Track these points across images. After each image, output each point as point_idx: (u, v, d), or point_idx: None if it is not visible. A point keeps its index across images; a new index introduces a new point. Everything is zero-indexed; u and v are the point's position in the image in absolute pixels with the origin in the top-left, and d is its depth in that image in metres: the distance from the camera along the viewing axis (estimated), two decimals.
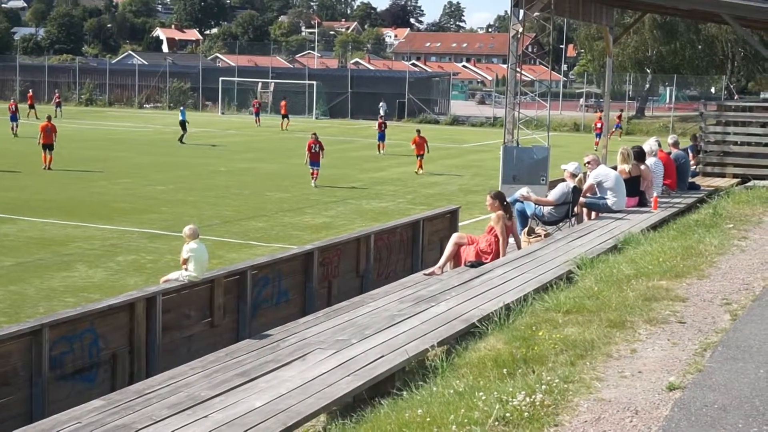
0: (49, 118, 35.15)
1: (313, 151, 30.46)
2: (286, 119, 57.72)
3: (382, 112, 63.78)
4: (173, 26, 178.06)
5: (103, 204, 25.22)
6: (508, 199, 13.43)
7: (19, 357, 9.18)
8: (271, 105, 74.15)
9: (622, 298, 9.05)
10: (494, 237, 12.50)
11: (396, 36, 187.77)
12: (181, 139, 44.82)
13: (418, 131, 36.62)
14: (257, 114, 62.07)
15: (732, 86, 75.03)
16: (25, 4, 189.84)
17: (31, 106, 59.38)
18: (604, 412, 6.02)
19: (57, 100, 64.26)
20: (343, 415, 7.13)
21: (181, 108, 49.53)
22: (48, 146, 33.13)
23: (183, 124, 45.89)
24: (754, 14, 23.48)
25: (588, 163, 15.84)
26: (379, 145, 43.41)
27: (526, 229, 14.10)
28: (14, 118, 46.82)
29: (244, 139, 49.37)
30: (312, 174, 30.45)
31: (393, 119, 68.15)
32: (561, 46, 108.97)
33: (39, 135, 33.62)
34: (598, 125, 49.09)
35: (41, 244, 19.49)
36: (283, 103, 60.27)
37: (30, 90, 68.43)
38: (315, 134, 31.54)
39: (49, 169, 32.45)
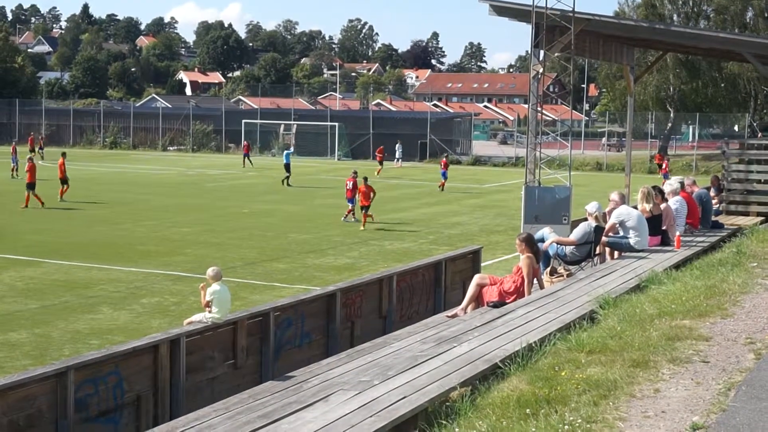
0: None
1: (348, 188, 31.86)
2: (381, 165, 56.72)
3: (398, 154, 64.24)
4: (196, 69, 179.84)
5: (128, 246, 25.37)
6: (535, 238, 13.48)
7: (44, 399, 9.23)
8: (293, 146, 74.60)
9: (645, 337, 9.03)
10: (520, 278, 12.53)
11: (417, 77, 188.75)
12: (286, 182, 45.62)
13: (365, 179, 31.89)
14: (247, 155, 60.48)
15: (755, 124, 74.80)
16: (51, 49, 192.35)
17: (32, 150, 59.90)
18: None
19: (40, 142, 64.77)
20: None
21: (287, 151, 50.06)
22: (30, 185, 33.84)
23: (287, 166, 46.65)
24: None
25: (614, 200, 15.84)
26: (442, 183, 45.33)
27: (549, 269, 14.09)
28: (14, 159, 47.71)
29: (267, 180, 49.61)
30: (348, 210, 31.87)
31: (415, 160, 68.40)
32: (582, 85, 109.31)
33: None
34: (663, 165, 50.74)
35: (66, 287, 19.62)
36: (380, 149, 59.70)
37: (31, 133, 69.11)
38: (355, 172, 32.82)
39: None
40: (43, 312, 17.26)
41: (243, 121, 75.60)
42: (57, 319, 16.66)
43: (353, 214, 31.53)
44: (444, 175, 45.45)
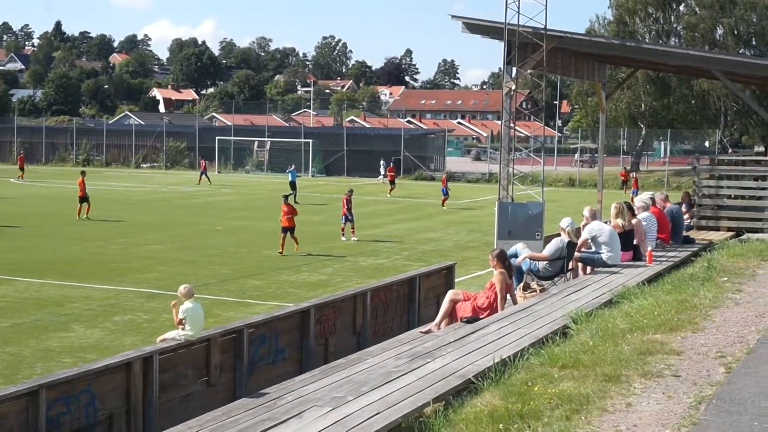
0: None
1: (347, 207, 31.56)
2: (393, 185, 54.07)
3: (383, 171, 64.60)
4: (170, 86, 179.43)
5: (100, 264, 25.24)
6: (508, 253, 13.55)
7: (15, 418, 9.17)
8: (267, 163, 74.60)
9: (617, 352, 9.09)
10: (494, 293, 12.58)
11: (391, 94, 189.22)
12: (293, 199, 45.24)
13: (285, 197, 29.47)
14: (204, 172, 59.99)
15: (725, 140, 75.54)
16: (23, 67, 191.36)
17: (21, 168, 59.66)
18: None
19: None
20: None
21: (291, 169, 50.07)
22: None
23: (293, 184, 46.73)
24: (742, 69, 23.81)
25: (586, 216, 15.95)
26: (443, 200, 45.82)
27: (522, 284, 14.15)
28: None
29: (240, 197, 49.53)
30: (342, 229, 31.68)
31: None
32: (555, 102, 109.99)
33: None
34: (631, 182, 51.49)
35: (38, 305, 19.49)
36: (390, 167, 57.13)
37: (21, 152, 68.70)
38: (351, 191, 32.93)
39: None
40: (15, 330, 17.13)
41: (217, 138, 75.44)
42: (28, 338, 16.54)
43: (350, 231, 31.50)
44: (444, 191, 46.04)
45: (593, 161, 78.45)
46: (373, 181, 64.17)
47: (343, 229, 31.73)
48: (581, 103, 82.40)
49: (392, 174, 55.38)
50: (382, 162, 66.14)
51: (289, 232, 27.93)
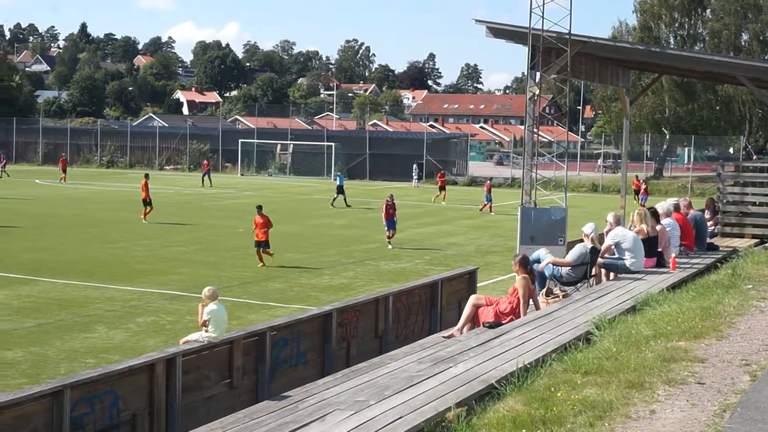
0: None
1: (390, 212, 31.00)
2: (443, 191, 52.07)
3: (416, 175, 64.97)
4: (193, 89, 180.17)
5: (123, 265, 25.36)
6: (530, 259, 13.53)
7: (40, 418, 9.23)
8: (290, 166, 74.82)
9: (640, 359, 9.04)
10: (516, 299, 12.56)
11: (414, 98, 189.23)
12: (344, 202, 45.87)
13: (260, 208, 27.16)
14: (207, 173, 60.16)
15: (750, 147, 75.06)
16: (49, 68, 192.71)
17: (63, 170, 59.86)
18: None
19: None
20: None
21: (339, 174, 50.36)
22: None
23: (341, 188, 46.98)
24: None
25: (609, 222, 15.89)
26: (488, 206, 45.10)
27: (545, 290, 14.11)
28: None
29: (263, 200, 49.57)
30: (388, 237, 30.99)
31: (411, 180, 68.48)
32: (578, 107, 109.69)
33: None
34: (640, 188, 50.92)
35: (62, 306, 19.61)
36: (441, 173, 55.26)
37: (63, 154, 69.20)
38: (392, 196, 32.32)
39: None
40: (39, 330, 17.24)
41: (240, 140, 75.76)
42: (53, 338, 16.65)
43: (389, 239, 30.94)
44: (488, 197, 45.45)
45: (616, 167, 78.19)
46: (402, 185, 64.19)
47: (389, 237, 31.02)
48: (605, 109, 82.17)
49: (443, 180, 52.99)
50: (415, 166, 66.35)
51: (262, 247, 26.07)
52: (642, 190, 53.72)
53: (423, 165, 69.72)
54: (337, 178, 49.24)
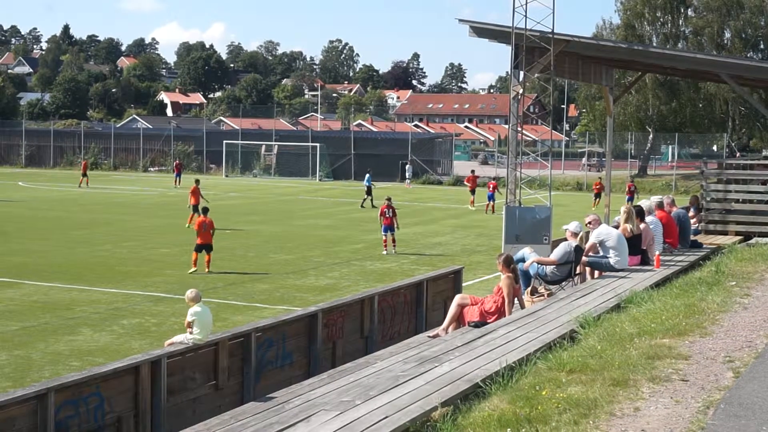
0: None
1: (386, 216, 29.49)
2: (474, 195, 49.51)
3: (408, 175, 65.00)
4: (177, 90, 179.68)
5: (108, 267, 25.28)
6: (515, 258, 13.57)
7: (24, 421, 9.20)
8: (274, 167, 74.75)
9: (625, 356, 9.08)
10: (501, 298, 12.59)
11: (398, 98, 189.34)
12: (371, 203, 45.55)
13: (206, 210, 26.12)
14: (178, 174, 59.73)
15: (733, 144, 75.42)
16: (31, 70, 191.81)
17: (84, 174, 59.20)
18: None
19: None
20: None
21: (368, 174, 50.18)
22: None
23: (369, 189, 46.96)
24: (751, 73, 23.79)
25: (589, 223, 15.94)
26: (491, 206, 44.55)
27: (529, 288, 14.15)
28: None
29: (248, 201, 49.58)
30: (384, 241, 29.45)
31: (396, 180, 68.53)
32: (562, 106, 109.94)
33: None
34: (597, 186, 50.07)
35: (46, 308, 19.53)
36: (469, 177, 51.68)
37: (84, 158, 68.71)
38: (389, 198, 30.75)
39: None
40: (23, 333, 17.17)
41: (224, 141, 75.60)
42: (37, 341, 16.58)
43: (391, 243, 29.40)
44: (491, 197, 44.87)
45: (601, 165, 78.36)
46: (388, 185, 64.15)
47: (385, 242, 29.42)
48: (589, 107, 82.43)
49: (473, 183, 49.77)
50: (408, 166, 66.41)
51: (204, 250, 24.87)
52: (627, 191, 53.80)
53: (411, 165, 69.87)
54: (366, 180, 48.90)
